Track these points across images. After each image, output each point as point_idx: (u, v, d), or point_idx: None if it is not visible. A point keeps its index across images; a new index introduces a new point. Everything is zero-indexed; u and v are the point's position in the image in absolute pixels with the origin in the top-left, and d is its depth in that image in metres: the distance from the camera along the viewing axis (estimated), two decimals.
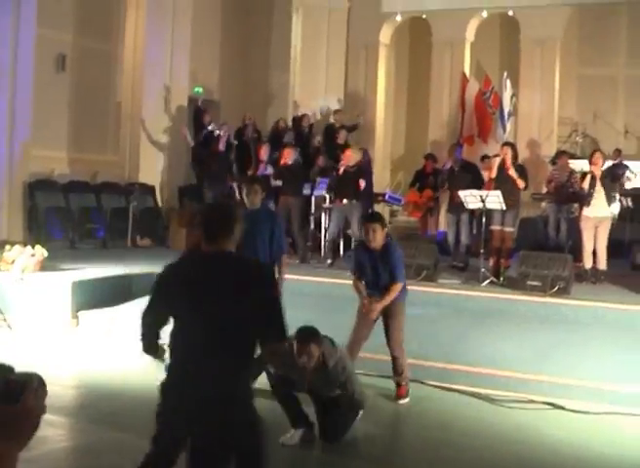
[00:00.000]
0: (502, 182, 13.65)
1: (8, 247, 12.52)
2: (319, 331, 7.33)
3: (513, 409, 8.68)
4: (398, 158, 23.12)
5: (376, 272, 8.93)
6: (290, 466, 5.27)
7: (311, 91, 21.76)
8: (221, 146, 17.23)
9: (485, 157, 16.72)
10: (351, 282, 9.26)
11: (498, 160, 13.98)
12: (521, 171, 13.89)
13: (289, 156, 15.81)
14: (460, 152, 16.33)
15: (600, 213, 13.48)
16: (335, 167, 15.54)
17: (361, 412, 7.89)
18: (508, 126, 19.08)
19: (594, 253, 13.64)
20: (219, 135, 17.42)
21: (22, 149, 15.91)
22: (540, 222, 16.29)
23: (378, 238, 8.84)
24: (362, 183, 14.67)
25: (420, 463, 7.52)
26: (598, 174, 13.45)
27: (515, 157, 14.00)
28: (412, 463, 7.63)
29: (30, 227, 16.17)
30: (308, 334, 7.25)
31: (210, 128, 17.84)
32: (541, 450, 7.53)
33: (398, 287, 8.94)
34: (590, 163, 13.76)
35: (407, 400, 8.94)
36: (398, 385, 9.03)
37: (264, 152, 17.01)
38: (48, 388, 6.57)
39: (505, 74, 19.20)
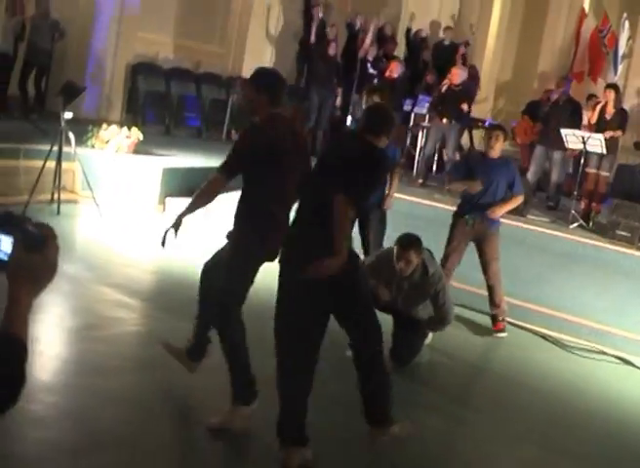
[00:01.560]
0: (602, 127, 13.39)
1: (105, 126, 12.62)
2: (421, 241, 7.30)
3: (583, 358, 8.60)
4: (504, 84, 22.67)
5: (487, 182, 8.70)
6: (352, 384, 5.30)
7: (426, 4, 21.36)
8: (332, 51, 16.88)
9: (591, 96, 16.35)
10: (439, 204, 9.07)
11: (599, 106, 13.74)
12: (622, 115, 13.61)
13: (395, 69, 15.60)
14: (569, 87, 15.94)
15: None
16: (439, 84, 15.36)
17: (430, 336, 7.88)
18: (620, 68, 18.61)
19: None
20: (328, 37, 17.14)
21: (130, 30, 15.96)
22: (639, 171, 15.91)
23: (497, 146, 8.73)
24: (465, 107, 14.51)
25: (484, 398, 7.53)
26: None
27: (619, 100, 13.71)
28: (475, 397, 7.65)
29: (129, 109, 16.29)
30: (411, 241, 7.26)
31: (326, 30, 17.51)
32: (607, 403, 7.49)
33: (520, 199, 8.87)
34: None
35: (505, 334, 8.83)
36: (494, 319, 8.91)
37: (371, 53, 16.88)
38: (128, 270, 6.70)
39: (625, 15, 18.65)
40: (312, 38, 17.25)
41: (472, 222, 8.78)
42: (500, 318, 8.87)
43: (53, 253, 2.13)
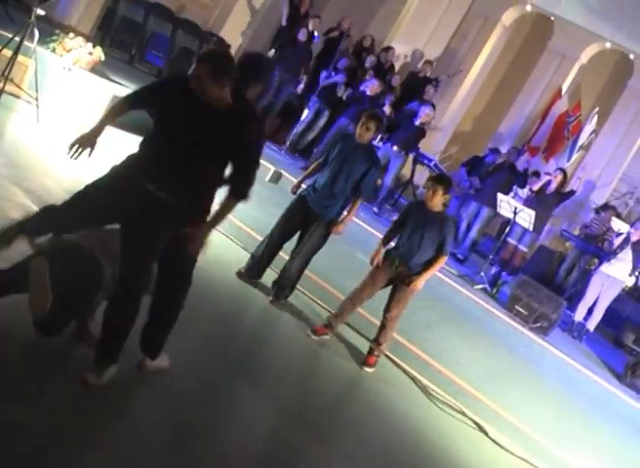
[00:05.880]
0: (539, 204, 13.67)
1: (72, 35, 12.43)
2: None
3: (442, 412, 8.68)
4: (461, 134, 22.92)
5: (417, 234, 8.54)
6: None
7: (414, 35, 21.50)
8: (301, 37, 16.72)
9: (535, 173, 16.70)
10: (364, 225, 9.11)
11: (547, 178, 14.13)
12: (559, 199, 14.05)
13: (375, 89, 15.70)
14: (517, 158, 16.34)
15: (615, 274, 13.45)
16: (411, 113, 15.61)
17: None
18: (574, 157, 19.02)
19: (590, 310, 13.63)
20: (308, 27, 16.97)
21: None
22: (557, 259, 16.21)
23: (436, 200, 8.51)
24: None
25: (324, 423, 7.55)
26: (634, 239, 13.41)
27: (562, 185, 14.12)
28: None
29: (101, 28, 16.06)
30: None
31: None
32: (445, 460, 7.58)
33: (443, 260, 8.64)
34: (631, 226, 13.77)
35: (372, 370, 8.73)
36: (370, 353, 8.83)
37: (344, 62, 16.79)
38: (46, 181, 6.51)
39: (597, 109, 19.07)
40: (284, 21, 17.15)
41: (397, 264, 8.77)
42: (376, 353, 8.84)
43: None
